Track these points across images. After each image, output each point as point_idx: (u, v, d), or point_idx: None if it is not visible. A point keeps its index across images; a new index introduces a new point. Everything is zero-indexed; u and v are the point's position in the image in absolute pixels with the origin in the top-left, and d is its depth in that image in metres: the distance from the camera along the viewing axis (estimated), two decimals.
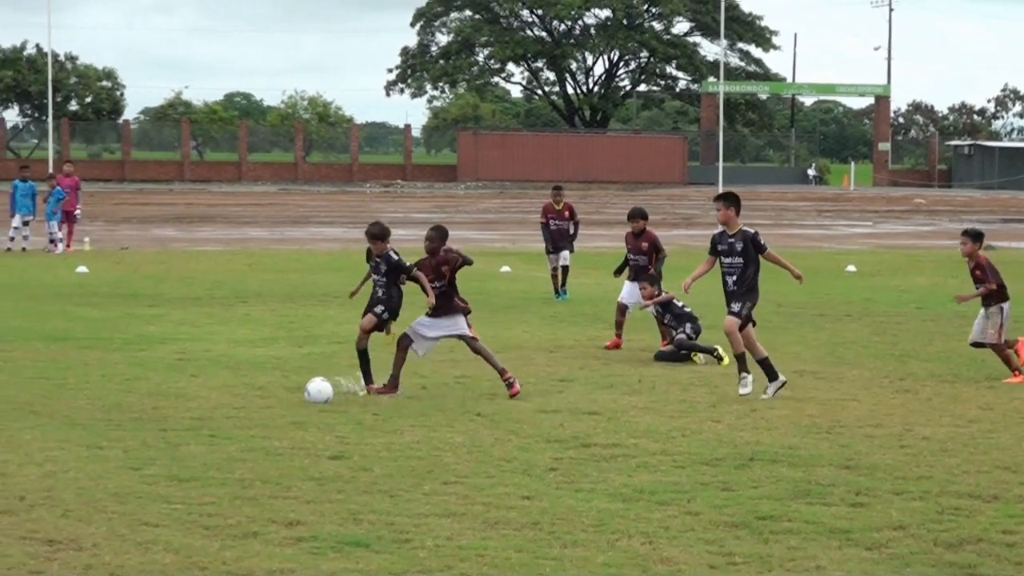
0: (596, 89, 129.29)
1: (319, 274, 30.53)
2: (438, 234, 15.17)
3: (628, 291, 19.55)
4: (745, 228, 15.19)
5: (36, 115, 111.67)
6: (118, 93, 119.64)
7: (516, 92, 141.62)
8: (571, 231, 26.48)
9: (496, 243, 43.16)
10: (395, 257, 15.14)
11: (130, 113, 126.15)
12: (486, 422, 13.46)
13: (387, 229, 15.32)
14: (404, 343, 14.92)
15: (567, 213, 26.53)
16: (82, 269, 30.04)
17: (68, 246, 36.84)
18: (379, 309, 15.10)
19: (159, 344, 18.59)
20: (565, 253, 26.27)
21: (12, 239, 36.73)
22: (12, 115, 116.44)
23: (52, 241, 36.64)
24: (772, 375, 15.15)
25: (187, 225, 51.79)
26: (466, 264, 15.09)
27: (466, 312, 15.24)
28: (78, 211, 37.82)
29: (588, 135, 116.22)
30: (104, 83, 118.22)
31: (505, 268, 32.19)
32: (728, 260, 15.11)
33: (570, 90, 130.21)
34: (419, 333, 14.97)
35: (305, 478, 10.94)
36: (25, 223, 36.92)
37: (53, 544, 8.97)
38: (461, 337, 15.21)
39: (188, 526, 9.44)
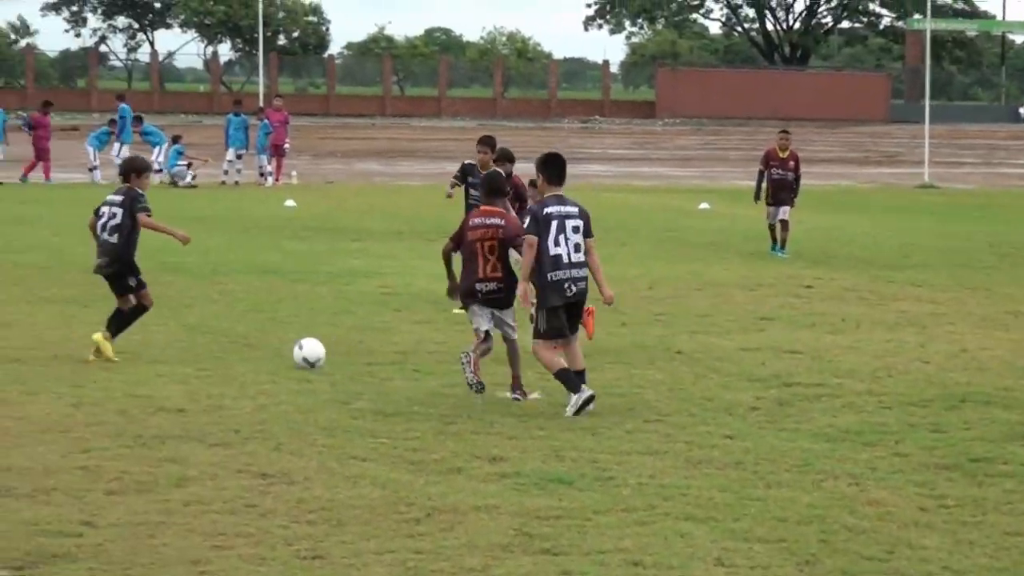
0: (797, 26, 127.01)
1: None
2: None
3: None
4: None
5: (247, 49, 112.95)
6: (323, 28, 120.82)
7: (715, 28, 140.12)
8: (794, 184, 22.91)
9: (694, 180, 42.76)
10: None
11: (334, 48, 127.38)
12: (686, 360, 13.38)
13: None
14: None
15: (792, 163, 22.99)
16: (290, 203, 30.62)
17: (277, 179, 37.71)
18: None
19: (364, 278, 18.87)
20: (786, 208, 22.79)
21: (226, 172, 37.76)
22: (225, 49, 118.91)
23: (263, 175, 37.61)
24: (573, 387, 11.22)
25: (389, 159, 52.09)
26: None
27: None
28: (287, 145, 38.66)
29: (787, 72, 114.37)
30: (310, 18, 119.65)
31: (704, 205, 31.87)
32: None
33: (770, 26, 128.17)
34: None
35: (507, 414, 11.03)
36: (238, 156, 37.88)
37: (267, 477, 9.16)
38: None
39: (394, 461, 9.57)
